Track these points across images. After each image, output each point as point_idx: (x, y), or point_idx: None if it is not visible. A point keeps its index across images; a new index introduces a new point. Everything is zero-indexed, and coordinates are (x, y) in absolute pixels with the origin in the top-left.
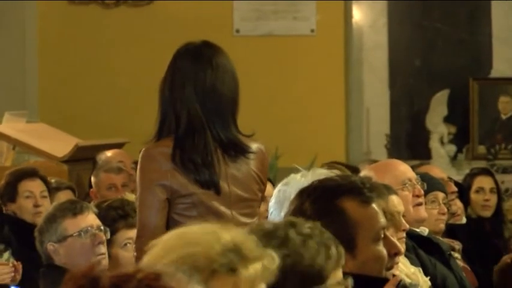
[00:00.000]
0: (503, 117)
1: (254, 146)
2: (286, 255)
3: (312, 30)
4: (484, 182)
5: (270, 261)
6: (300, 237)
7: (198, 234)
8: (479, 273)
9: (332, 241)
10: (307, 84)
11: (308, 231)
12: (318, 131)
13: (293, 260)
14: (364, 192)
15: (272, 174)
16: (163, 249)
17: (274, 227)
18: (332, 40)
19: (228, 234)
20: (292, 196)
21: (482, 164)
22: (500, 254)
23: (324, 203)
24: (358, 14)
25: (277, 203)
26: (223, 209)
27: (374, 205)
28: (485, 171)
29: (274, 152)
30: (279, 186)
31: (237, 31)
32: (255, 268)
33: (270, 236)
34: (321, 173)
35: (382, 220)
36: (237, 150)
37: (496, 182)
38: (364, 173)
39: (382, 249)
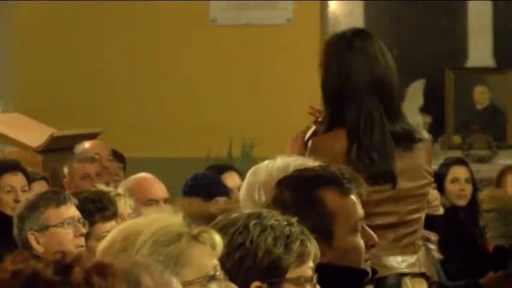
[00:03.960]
0: (479, 107)
1: (425, 135)
2: (241, 244)
3: (289, 20)
4: (459, 171)
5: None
6: (259, 227)
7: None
8: (457, 263)
9: (302, 236)
10: (283, 74)
11: (272, 223)
12: (294, 121)
13: (247, 249)
14: (343, 183)
15: (246, 164)
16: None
17: (238, 217)
18: (308, 29)
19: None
20: (262, 183)
21: (457, 153)
22: (477, 243)
23: (303, 193)
24: (334, 4)
25: (247, 194)
26: (387, 206)
27: (352, 196)
28: (460, 161)
29: (250, 141)
30: (248, 177)
31: (214, 21)
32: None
33: (231, 225)
34: (289, 159)
35: (360, 211)
36: (411, 140)
37: (471, 172)
38: None
39: (360, 240)
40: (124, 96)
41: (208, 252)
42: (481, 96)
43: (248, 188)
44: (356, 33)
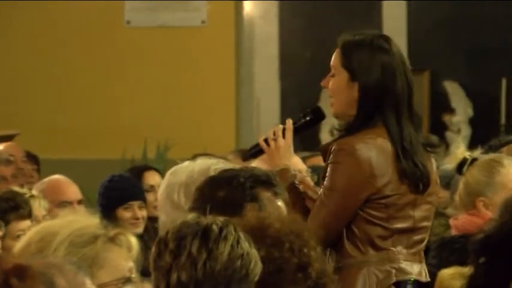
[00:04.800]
0: None
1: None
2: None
3: (203, 22)
4: None
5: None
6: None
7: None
8: None
9: None
10: (198, 75)
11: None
12: (209, 122)
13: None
14: (276, 185)
15: (162, 165)
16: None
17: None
18: (223, 31)
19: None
20: (182, 184)
21: None
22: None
23: (239, 191)
24: (249, 5)
25: (166, 195)
26: (406, 211)
27: (280, 199)
28: None
29: (164, 143)
30: (167, 177)
31: (128, 22)
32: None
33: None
34: (210, 162)
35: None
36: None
37: None
38: (255, 164)
39: None
40: (38, 97)
41: (125, 255)
42: None
43: (168, 189)
44: (382, 36)
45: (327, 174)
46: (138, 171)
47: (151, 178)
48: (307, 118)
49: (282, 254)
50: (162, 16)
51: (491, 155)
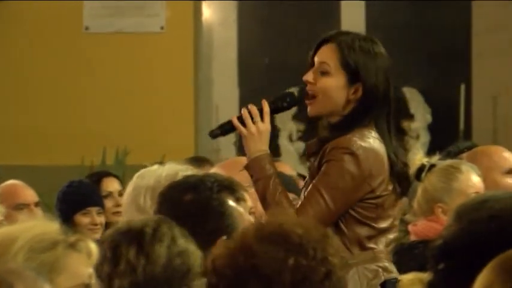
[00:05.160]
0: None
1: None
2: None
3: (162, 28)
4: None
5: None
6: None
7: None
8: None
9: None
10: (156, 82)
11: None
12: (167, 128)
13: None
14: (238, 190)
15: (120, 172)
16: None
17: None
18: (181, 37)
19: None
20: (149, 188)
21: None
22: None
23: (206, 196)
24: (207, 11)
25: (132, 198)
26: (391, 210)
27: (242, 203)
28: None
29: (123, 149)
30: (134, 181)
31: (87, 28)
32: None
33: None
34: (177, 168)
35: (249, 218)
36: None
37: None
38: (213, 170)
39: None
40: None
41: (84, 261)
42: None
43: (134, 192)
44: (375, 41)
45: (325, 172)
46: (97, 177)
47: (110, 184)
48: (284, 104)
49: (308, 262)
50: (121, 22)
51: (450, 161)
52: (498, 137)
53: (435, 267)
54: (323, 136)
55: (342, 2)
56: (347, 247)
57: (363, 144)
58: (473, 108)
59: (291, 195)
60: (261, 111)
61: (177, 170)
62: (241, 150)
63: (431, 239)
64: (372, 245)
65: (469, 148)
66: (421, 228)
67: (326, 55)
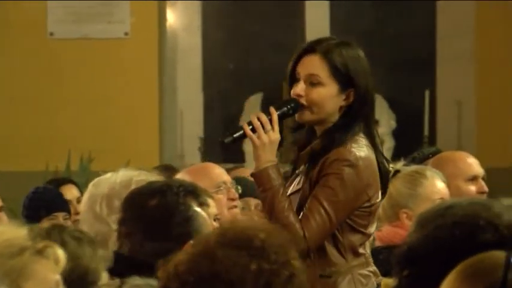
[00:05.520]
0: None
1: None
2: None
3: (126, 33)
4: None
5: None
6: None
7: None
8: None
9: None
10: (121, 87)
11: (78, 234)
12: (132, 134)
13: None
14: (201, 195)
15: (85, 178)
16: None
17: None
18: (146, 43)
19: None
20: (104, 196)
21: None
22: None
23: (172, 200)
24: (172, 17)
25: (89, 206)
26: (375, 216)
27: (205, 208)
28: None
29: (88, 154)
30: (90, 189)
31: (51, 34)
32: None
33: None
34: (131, 174)
35: (213, 224)
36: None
37: None
38: (179, 176)
39: None
40: None
41: (52, 267)
42: None
43: (90, 200)
44: (354, 45)
45: (326, 184)
46: (55, 184)
47: (68, 192)
48: (290, 111)
49: (271, 266)
50: (86, 28)
51: (414, 167)
52: (462, 143)
53: (400, 273)
54: (317, 147)
55: (307, 8)
56: (342, 254)
57: (361, 154)
58: (437, 113)
59: (255, 201)
60: (270, 119)
61: (131, 176)
62: (205, 156)
63: (396, 245)
64: (362, 251)
65: (434, 154)
66: (385, 233)
67: (313, 66)
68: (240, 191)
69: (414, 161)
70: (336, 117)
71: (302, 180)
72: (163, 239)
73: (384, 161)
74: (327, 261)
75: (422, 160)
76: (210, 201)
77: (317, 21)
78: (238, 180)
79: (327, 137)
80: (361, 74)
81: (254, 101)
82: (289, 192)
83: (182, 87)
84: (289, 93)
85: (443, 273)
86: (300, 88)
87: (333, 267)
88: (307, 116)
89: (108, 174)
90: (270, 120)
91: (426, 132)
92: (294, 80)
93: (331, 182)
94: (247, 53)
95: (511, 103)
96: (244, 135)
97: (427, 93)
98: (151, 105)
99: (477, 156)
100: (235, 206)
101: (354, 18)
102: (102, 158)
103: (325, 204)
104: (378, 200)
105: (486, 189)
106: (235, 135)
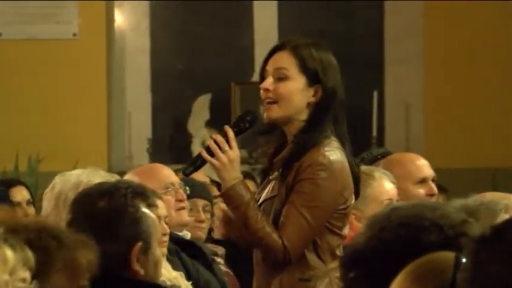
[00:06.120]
0: (265, 121)
1: None
2: None
3: (74, 34)
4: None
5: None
6: None
7: None
8: (243, 277)
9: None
10: (69, 88)
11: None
12: (80, 135)
13: None
14: (151, 196)
15: (34, 178)
16: None
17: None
18: (94, 44)
19: None
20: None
21: (244, 168)
22: None
23: (121, 201)
24: (120, 18)
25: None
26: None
27: (154, 210)
28: (247, 175)
29: (36, 155)
30: (55, 185)
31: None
32: None
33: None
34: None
35: (162, 225)
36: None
37: (257, 186)
38: (127, 177)
39: (159, 253)
40: None
41: (0, 268)
42: None
43: (52, 201)
44: (322, 43)
45: (302, 190)
46: (4, 186)
47: (19, 194)
48: (246, 125)
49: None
50: (34, 28)
51: (363, 168)
52: (411, 144)
53: (346, 275)
54: (290, 151)
55: (255, 8)
56: (320, 258)
57: (334, 158)
58: (386, 115)
59: (203, 201)
60: (226, 138)
61: (81, 179)
62: (153, 157)
63: (345, 246)
64: (339, 253)
65: (383, 155)
66: None
67: (282, 61)
68: (188, 192)
69: (363, 161)
70: (304, 114)
71: (277, 185)
72: (111, 240)
73: (353, 162)
74: (305, 265)
75: (371, 161)
76: (158, 202)
77: (265, 22)
78: (186, 181)
79: (298, 138)
80: (329, 70)
81: (203, 101)
82: (262, 198)
83: (130, 88)
84: (238, 95)
85: (389, 275)
86: (268, 83)
87: (311, 271)
88: (274, 112)
89: (75, 171)
90: (227, 140)
91: (374, 133)
92: (264, 78)
93: (306, 188)
94: (195, 53)
95: (459, 105)
96: (204, 162)
97: (375, 95)
98: (99, 106)
99: (425, 157)
100: (184, 207)
101: (302, 18)
102: (51, 158)
103: (303, 210)
104: (352, 201)
105: (435, 191)
106: (196, 165)
